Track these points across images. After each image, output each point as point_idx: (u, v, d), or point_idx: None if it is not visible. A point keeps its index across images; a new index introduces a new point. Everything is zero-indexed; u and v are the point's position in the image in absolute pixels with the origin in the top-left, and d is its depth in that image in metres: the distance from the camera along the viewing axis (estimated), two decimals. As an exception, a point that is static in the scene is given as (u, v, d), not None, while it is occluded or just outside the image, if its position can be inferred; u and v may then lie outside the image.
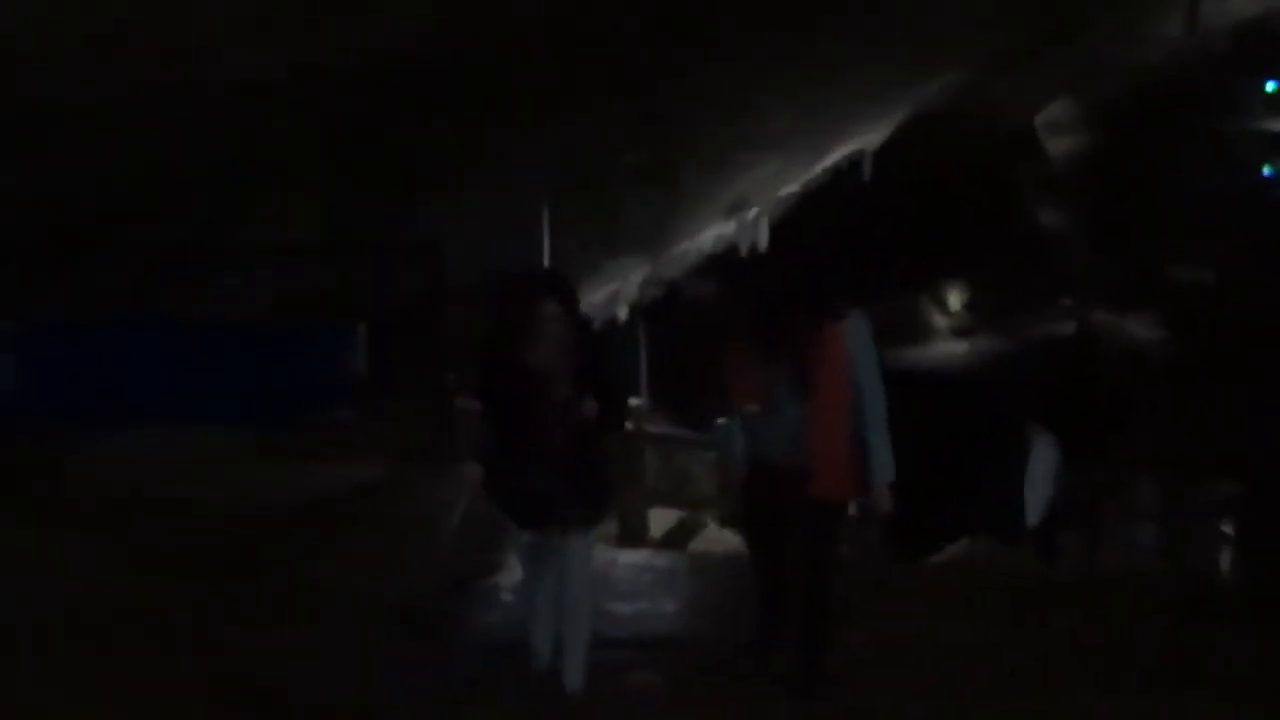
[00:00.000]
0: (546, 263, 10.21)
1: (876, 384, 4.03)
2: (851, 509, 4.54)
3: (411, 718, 4.11)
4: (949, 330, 19.91)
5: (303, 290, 9.13)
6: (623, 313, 14.10)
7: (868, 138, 13.80)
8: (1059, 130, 19.46)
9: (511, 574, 4.57)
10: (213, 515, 5.91)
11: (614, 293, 13.99)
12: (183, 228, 8.14)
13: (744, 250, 13.98)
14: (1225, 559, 8.48)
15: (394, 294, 9.25)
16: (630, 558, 6.87)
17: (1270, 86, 17.78)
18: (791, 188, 14.17)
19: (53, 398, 6.48)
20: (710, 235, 14.27)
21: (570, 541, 3.89)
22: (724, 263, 15.21)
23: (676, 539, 9.85)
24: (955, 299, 19.97)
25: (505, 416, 3.90)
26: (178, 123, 6.88)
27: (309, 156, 8.33)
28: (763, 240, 13.91)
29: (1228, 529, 8.66)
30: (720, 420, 4.21)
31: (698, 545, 9.62)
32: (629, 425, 10.58)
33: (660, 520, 9.92)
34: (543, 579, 3.99)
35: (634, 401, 11.77)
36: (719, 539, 9.62)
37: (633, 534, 8.84)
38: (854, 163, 14.29)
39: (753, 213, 13.92)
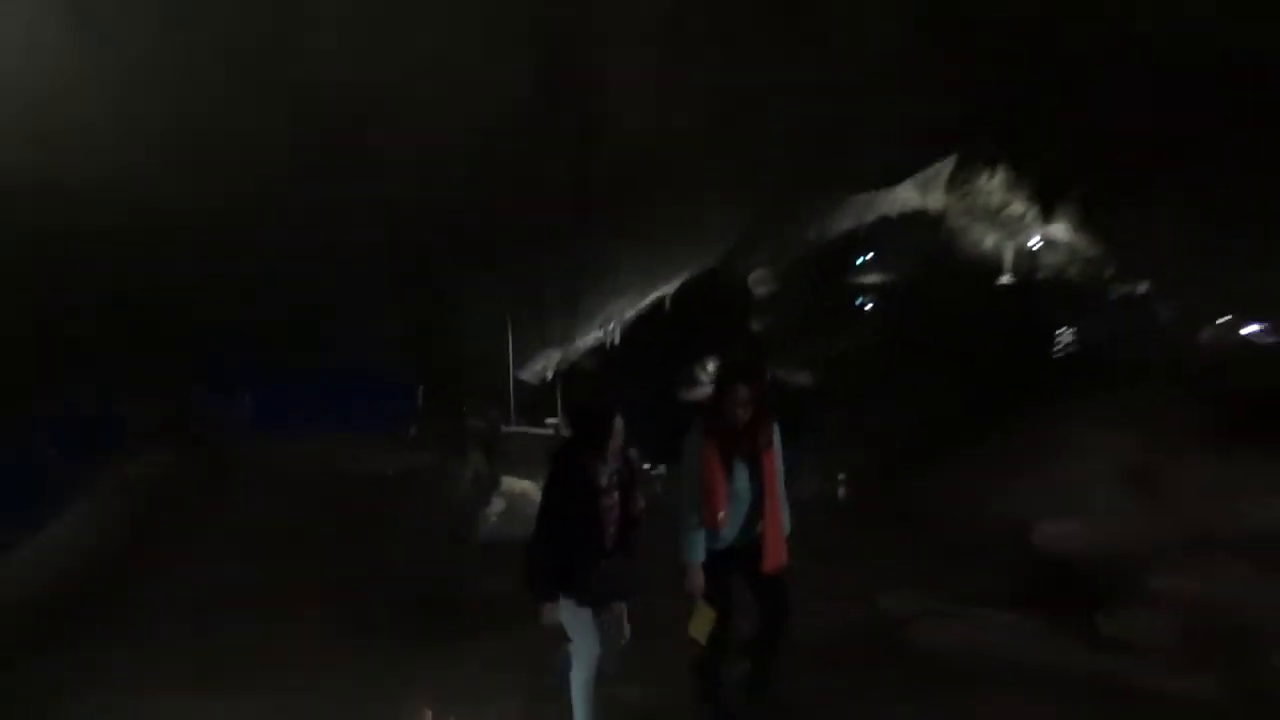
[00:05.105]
0: (510, 352, 15.40)
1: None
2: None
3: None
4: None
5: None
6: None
7: (668, 286, 19.88)
8: (760, 282, 23.89)
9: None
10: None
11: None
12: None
13: (608, 345, 20.58)
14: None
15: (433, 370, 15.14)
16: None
17: (859, 261, 23.26)
18: (630, 313, 20.37)
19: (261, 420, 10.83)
20: (591, 338, 20.39)
21: (617, 608, 4.47)
22: (595, 355, 21.04)
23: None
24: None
25: (580, 525, 4.13)
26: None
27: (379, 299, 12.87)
28: (616, 339, 20.55)
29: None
30: (690, 532, 4.01)
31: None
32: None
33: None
34: (598, 634, 4.40)
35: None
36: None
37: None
38: (662, 299, 20.22)
39: (611, 325, 20.05)
